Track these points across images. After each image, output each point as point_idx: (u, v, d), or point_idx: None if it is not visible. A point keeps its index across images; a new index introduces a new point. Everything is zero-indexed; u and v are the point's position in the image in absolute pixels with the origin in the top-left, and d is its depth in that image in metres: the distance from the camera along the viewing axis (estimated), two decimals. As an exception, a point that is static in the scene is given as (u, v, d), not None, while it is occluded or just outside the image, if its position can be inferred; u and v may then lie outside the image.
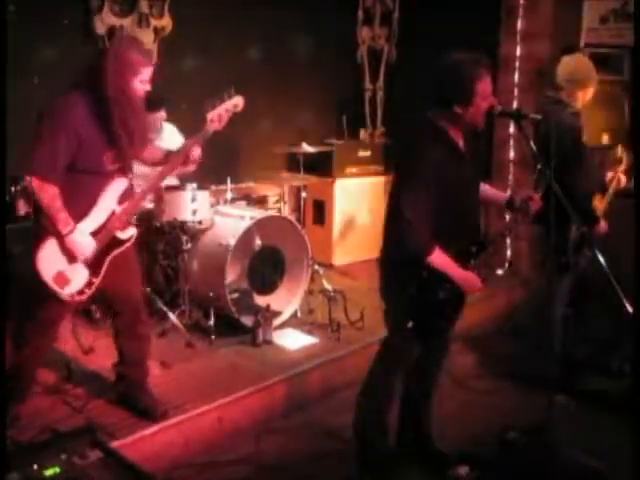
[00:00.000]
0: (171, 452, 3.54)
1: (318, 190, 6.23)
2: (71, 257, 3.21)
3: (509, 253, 6.31)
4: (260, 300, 4.83)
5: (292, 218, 5.24)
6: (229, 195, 5.19)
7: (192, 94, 5.35)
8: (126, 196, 3.34)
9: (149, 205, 4.70)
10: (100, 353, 3.89)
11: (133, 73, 3.17)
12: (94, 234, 3.26)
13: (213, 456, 3.62)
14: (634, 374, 3.98)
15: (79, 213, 3.21)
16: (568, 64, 4.22)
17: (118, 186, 3.30)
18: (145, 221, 4.70)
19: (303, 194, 5.63)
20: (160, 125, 5.05)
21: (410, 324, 3.10)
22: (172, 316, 4.59)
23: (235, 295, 4.68)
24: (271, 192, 5.95)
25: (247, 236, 4.67)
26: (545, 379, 3.50)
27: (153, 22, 5.29)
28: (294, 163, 5.46)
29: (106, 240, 3.30)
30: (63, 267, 3.21)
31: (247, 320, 4.64)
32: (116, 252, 3.36)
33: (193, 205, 4.58)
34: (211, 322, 4.58)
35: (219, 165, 5.48)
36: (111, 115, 3.14)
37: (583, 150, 4.10)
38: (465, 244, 3.16)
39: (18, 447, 2.98)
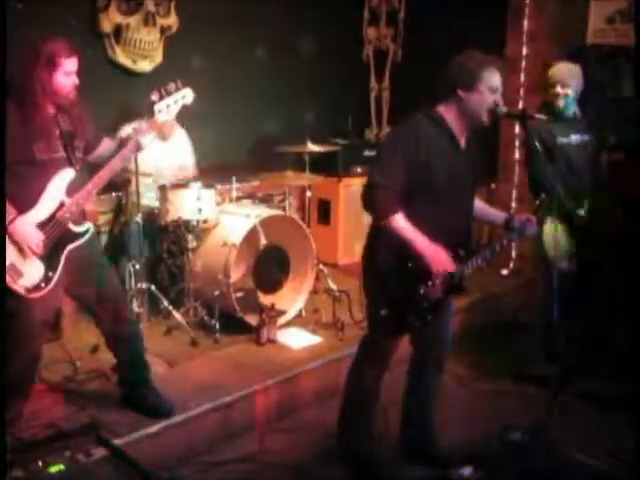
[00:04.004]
0: (175, 450, 3.55)
1: (323, 189, 6.23)
2: (19, 248, 3.16)
3: (514, 253, 6.31)
4: (265, 299, 4.83)
5: (297, 217, 5.24)
6: (234, 194, 5.20)
7: (198, 93, 5.34)
8: (76, 187, 3.29)
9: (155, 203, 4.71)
10: (105, 351, 3.89)
11: (52, 66, 3.13)
12: (42, 225, 3.21)
13: (217, 455, 3.63)
14: (634, 374, 3.99)
15: (24, 203, 3.16)
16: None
17: (64, 176, 3.26)
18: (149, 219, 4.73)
19: (308, 193, 5.62)
20: (172, 125, 5.01)
21: (383, 312, 3.10)
22: (177, 314, 4.60)
23: (240, 294, 4.68)
24: (276, 191, 5.95)
25: (252, 235, 4.67)
26: (546, 379, 3.50)
27: (159, 21, 5.29)
28: (299, 162, 5.46)
29: (57, 232, 3.25)
30: (13, 259, 3.15)
31: (252, 319, 4.64)
32: (72, 246, 3.31)
33: (198, 204, 4.59)
34: (215, 321, 4.59)
35: (224, 164, 5.49)
36: (32, 108, 3.13)
37: (556, 151, 4.11)
38: (453, 243, 3.15)
39: (22, 444, 2.99)
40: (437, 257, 3.03)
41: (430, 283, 3.09)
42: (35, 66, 3.11)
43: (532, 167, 4.26)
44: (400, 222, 3.02)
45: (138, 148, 3.47)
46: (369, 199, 3.09)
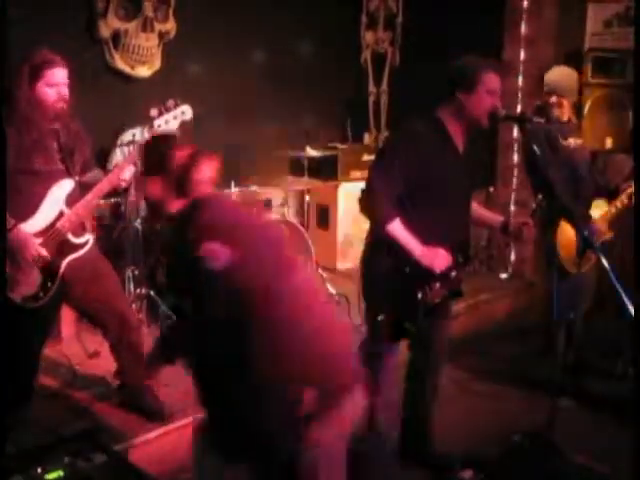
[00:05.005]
0: (175, 455, 3.53)
1: (322, 194, 6.23)
2: (17, 257, 3.14)
3: (513, 257, 6.31)
4: (264, 304, 4.81)
5: (296, 222, 5.24)
6: (233, 199, 5.19)
7: (196, 98, 5.35)
8: (75, 198, 3.29)
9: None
10: (105, 357, 3.90)
11: (34, 77, 3.11)
12: (41, 234, 3.20)
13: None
14: (634, 375, 3.98)
15: (23, 212, 3.16)
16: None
17: (63, 187, 3.26)
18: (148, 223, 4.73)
19: (307, 198, 5.63)
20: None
21: (380, 317, 3.10)
22: (176, 319, 4.59)
23: (239, 298, 4.66)
24: (275, 196, 5.96)
25: (251, 240, 4.66)
26: (548, 382, 3.50)
27: (157, 26, 5.29)
28: (298, 167, 5.47)
29: (56, 241, 3.24)
30: (11, 267, 3.13)
31: (251, 324, 4.63)
32: (72, 257, 3.31)
33: (197, 209, 4.57)
34: (215, 325, 4.57)
35: (223, 169, 5.47)
36: (25, 120, 3.12)
37: (555, 153, 4.12)
38: (451, 247, 3.15)
39: (22, 450, 2.98)
40: (435, 257, 3.04)
41: (428, 288, 3.09)
42: (21, 76, 3.10)
43: (532, 171, 4.26)
44: (396, 227, 3.02)
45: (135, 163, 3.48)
46: (367, 204, 3.09)
